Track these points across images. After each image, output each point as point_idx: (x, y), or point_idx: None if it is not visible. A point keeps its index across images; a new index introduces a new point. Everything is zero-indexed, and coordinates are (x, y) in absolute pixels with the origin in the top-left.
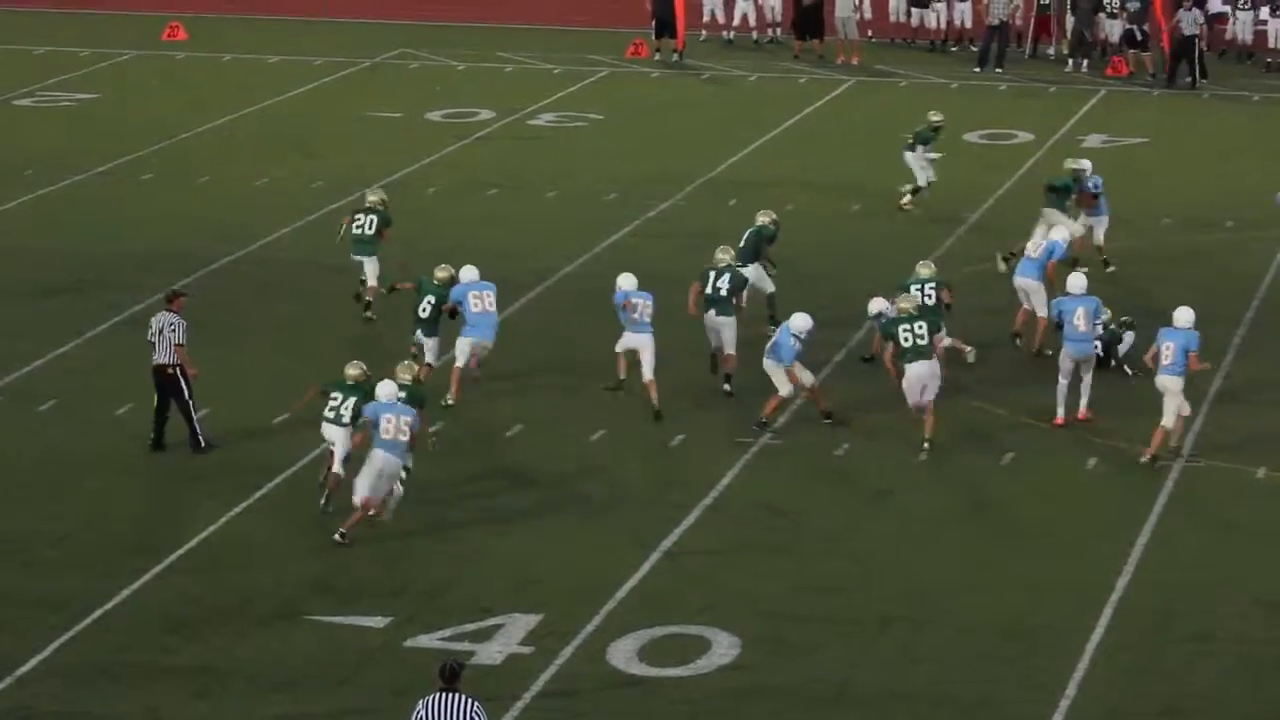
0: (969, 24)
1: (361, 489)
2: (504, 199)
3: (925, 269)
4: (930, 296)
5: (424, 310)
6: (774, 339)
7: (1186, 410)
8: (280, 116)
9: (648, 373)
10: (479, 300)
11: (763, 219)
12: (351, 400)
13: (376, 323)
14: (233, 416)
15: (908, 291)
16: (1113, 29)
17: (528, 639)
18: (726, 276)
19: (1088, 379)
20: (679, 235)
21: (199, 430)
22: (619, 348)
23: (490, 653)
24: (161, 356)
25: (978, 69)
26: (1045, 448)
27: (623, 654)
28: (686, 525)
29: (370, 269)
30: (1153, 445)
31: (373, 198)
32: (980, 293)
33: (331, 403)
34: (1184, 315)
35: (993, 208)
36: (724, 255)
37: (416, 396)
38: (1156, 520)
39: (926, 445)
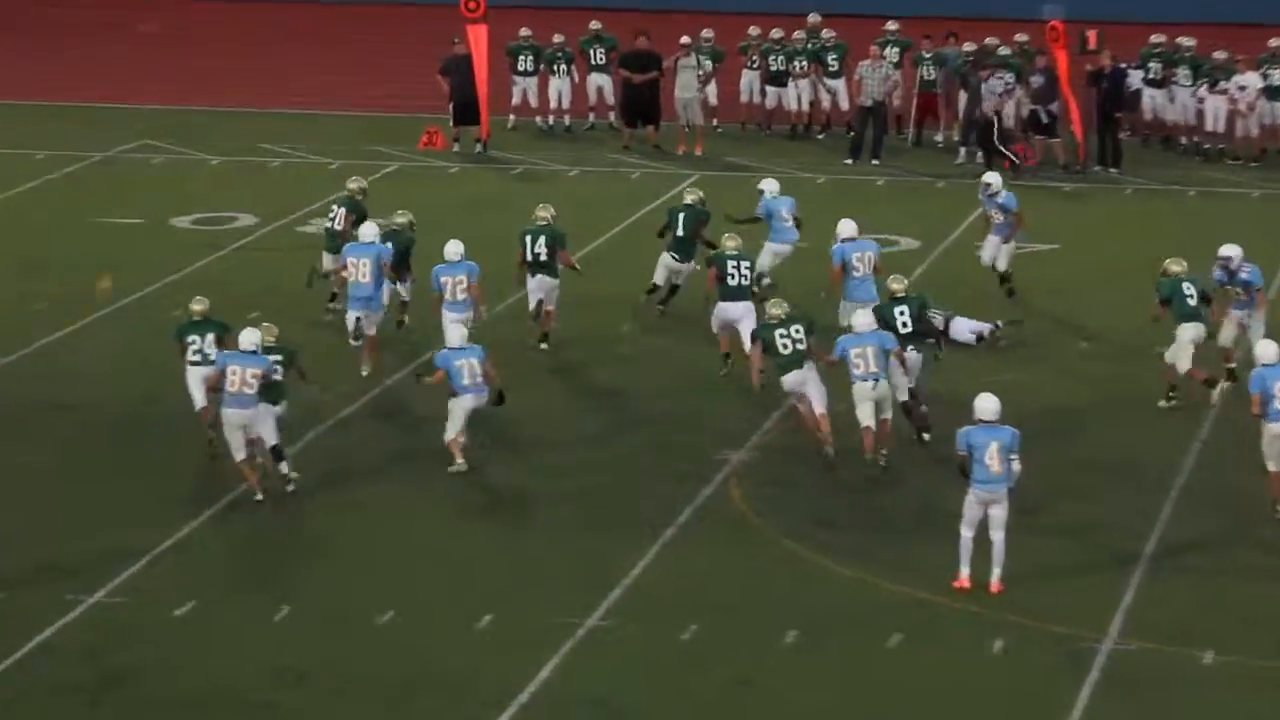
0: (844, 105)
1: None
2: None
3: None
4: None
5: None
6: None
7: None
8: None
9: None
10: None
11: (691, 198)
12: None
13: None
14: None
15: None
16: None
17: None
18: (543, 239)
19: (999, 537)
20: None
21: None
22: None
23: None
24: None
25: (849, 160)
26: (940, 626)
27: None
28: None
29: (329, 261)
30: (1276, 492)
31: (352, 185)
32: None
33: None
34: (1273, 350)
35: None
36: (544, 213)
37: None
38: (1081, 717)
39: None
